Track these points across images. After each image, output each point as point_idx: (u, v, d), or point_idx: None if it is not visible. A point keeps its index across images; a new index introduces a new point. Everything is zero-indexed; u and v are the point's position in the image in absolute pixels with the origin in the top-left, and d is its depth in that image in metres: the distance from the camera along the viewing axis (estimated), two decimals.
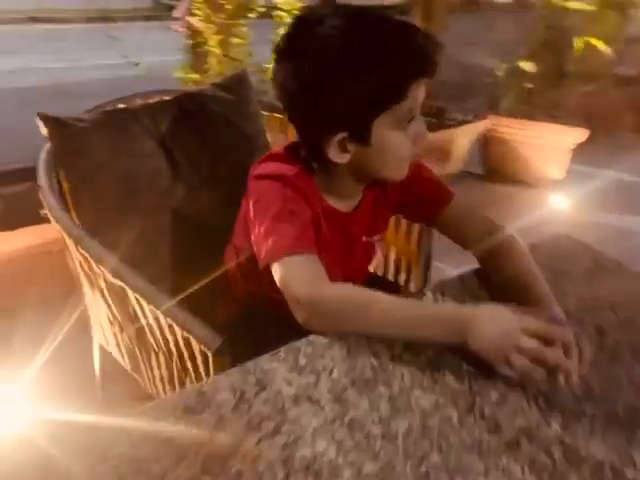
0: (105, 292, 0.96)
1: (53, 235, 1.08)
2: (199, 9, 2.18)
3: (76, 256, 0.97)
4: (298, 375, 0.64)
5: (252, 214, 0.82)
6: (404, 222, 1.25)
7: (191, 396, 0.61)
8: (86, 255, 0.90)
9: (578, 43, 3.11)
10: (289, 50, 0.78)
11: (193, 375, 0.89)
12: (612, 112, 3.66)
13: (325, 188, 0.87)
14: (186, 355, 0.86)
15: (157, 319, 0.86)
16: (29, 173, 1.09)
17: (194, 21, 2.16)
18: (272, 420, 0.58)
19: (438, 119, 3.15)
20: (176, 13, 2.24)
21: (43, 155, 1.05)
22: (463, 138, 3.25)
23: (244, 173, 0.88)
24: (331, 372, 0.65)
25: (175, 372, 0.93)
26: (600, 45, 3.28)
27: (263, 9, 2.52)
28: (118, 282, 0.87)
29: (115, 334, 1.08)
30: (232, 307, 1.04)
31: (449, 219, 0.92)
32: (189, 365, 0.87)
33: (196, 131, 1.24)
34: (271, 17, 2.67)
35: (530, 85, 3.17)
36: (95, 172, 1.08)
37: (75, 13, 9.09)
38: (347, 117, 0.76)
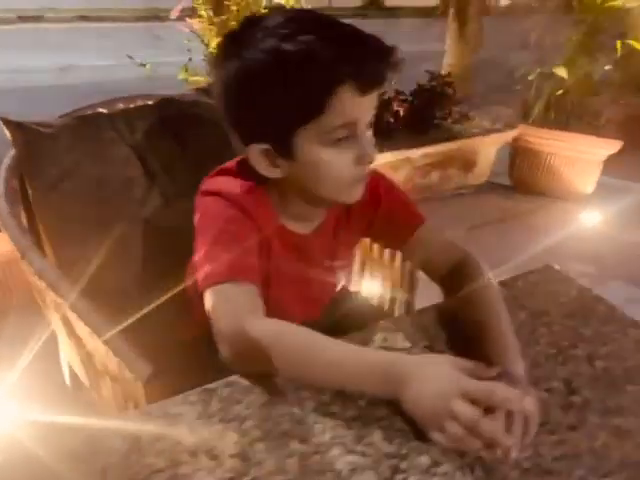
0: (51, 307, 0.92)
1: None
2: (201, 10, 2.15)
3: (24, 267, 0.93)
4: (205, 423, 0.58)
5: (196, 232, 0.77)
6: None
7: (78, 439, 0.55)
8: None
9: (619, 46, 2.91)
10: (223, 51, 0.72)
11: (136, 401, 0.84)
12: None
13: (280, 207, 0.80)
14: (124, 380, 0.81)
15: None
16: None
17: (194, 22, 2.13)
18: (160, 476, 0.52)
19: (463, 127, 3.03)
20: (172, 14, 2.22)
21: (7, 161, 1.02)
22: (490, 148, 3.12)
23: None
24: (243, 421, 0.58)
25: (119, 395, 0.88)
26: None
27: (266, 11, 2.47)
28: (58, 300, 0.83)
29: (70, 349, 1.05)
30: (193, 326, 0.99)
31: (416, 245, 0.83)
32: (129, 390, 0.82)
33: (174, 138, 1.20)
34: None
35: (563, 92, 3.00)
36: (61, 180, 1.04)
37: (124, 12, 9.33)
38: (267, 127, 0.70)
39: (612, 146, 2.80)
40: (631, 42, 2.99)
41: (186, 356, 0.90)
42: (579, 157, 2.93)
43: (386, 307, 1.20)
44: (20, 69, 5.61)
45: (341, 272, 0.90)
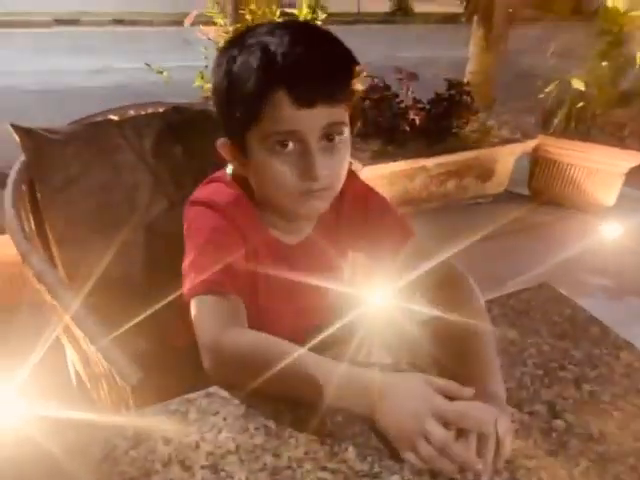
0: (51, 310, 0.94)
1: None
2: (217, 18, 2.18)
3: (24, 270, 0.96)
4: (181, 433, 0.58)
5: (184, 242, 0.78)
6: None
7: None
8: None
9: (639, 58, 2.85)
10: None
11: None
12: None
13: (267, 217, 0.81)
14: (116, 385, 0.82)
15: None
16: None
17: (209, 30, 2.16)
18: None
19: (481, 136, 3.00)
20: (186, 21, 2.25)
21: (17, 165, 1.05)
22: (508, 157, 3.08)
23: None
24: (219, 432, 0.59)
25: (114, 398, 0.90)
26: None
27: (280, 19, 2.49)
28: (54, 302, 0.85)
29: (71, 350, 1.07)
30: (185, 333, 1.01)
31: (405, 261, 0.83)
32: (121, 394, 0.84)
33: (181, 145, 1.21)
34: None
35: (582, 103, 2.94)
36: (68, 184, 1.07)
37: (157, 16, 9.49)
38: (226, 123, 0.75)
39: (635, 158, 2.75)
40: None
41: (178, 362, 0.91)
42: (600, 168, 2.87)
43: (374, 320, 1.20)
44: (54, 70, 5.75)
45: (331, 283, 0.90)
